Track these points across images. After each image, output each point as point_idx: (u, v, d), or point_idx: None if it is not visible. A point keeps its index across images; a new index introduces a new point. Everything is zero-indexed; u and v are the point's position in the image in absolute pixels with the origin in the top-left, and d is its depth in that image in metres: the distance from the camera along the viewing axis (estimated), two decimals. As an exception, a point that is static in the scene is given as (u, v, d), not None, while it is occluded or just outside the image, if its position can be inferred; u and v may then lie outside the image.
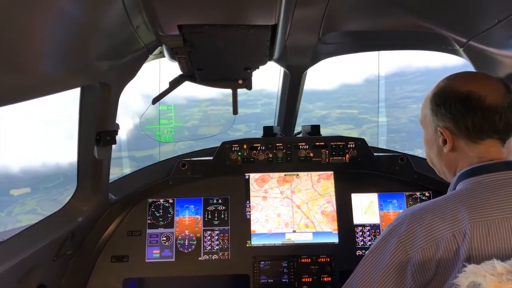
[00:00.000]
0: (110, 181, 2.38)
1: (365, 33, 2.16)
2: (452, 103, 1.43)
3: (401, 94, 10.03)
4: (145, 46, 1.73)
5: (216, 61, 1.85)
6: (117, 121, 2.10)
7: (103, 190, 2.28)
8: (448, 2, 1.80)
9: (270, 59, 1.86)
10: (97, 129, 1.97)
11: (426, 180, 2.71)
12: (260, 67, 1.99)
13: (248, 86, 2.10)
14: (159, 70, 2.56)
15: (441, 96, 1.47)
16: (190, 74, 2.08)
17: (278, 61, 2.51)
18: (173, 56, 1.73)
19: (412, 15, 1.96)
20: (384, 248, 1.39)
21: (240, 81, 2.07)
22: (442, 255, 1.28)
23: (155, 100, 2.16)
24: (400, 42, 2.35)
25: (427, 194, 2.75)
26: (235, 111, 2.20)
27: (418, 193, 2.75)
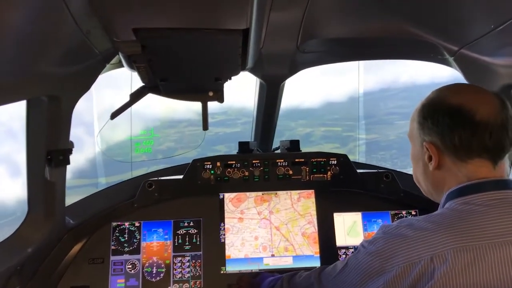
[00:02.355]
0: (67, 204, 2.28)
1: (348, 41, 2.12)
2: (440, 116, 1.39)
3: (386, 110, 10.16)
4: (100, 53, 1.65)
5: (181, 70, 1.78)
6: (71, 139, 2.02)
7: (59, 215, 2.16)
8: (439, 7, 1.76)
9: (244, 68, 1.80)
10: (47, 148, 1.87)
11: (413, 198, 2.68)
12: (234, 77, 1.93)
13: (220, 98, 2.02)
14: (131, 80, 2.48)
15: (429, 108, 1.44)
16: (153, 85, 2.01)
17: (253, 71, 2.47)
18: (131, 65, 1.64)
19: (400, 21, 1.91)
20: (360, 260, 1.43)
21: (211, 93, 1.99)
22: (415, 276, 1.28)
23: (114, 114, 2.06)
24: (385, 51, 2.32)
25: (413, 213, 2.72)
26: (205, 127, 2.12)
27: (404, 212, 2.72)
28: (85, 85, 1.84)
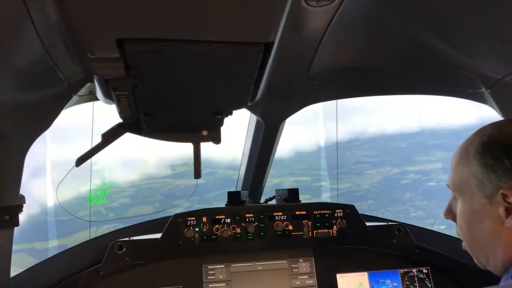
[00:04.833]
0: (13, 275, 1.92)
1: (366, 72, 1.88)
2: None
3: (354, 159, 10.25)
4: (66, 80, 1.35)
5: (174, 101, 1.48)
6: (22, 192, 1.67)
7: None
8: (480, 29, 1.53)
9: (253, 99, 1.50)
10: None
11: (426, 254, 2.47)
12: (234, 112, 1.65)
13: (216, 139, 1.75)
14: (92, 111, 2.11)
15: (500, 145, 1.17)
16: (133, 122, 1.68)
17: (250, 106, 2.17)
18: (108, 95, 1.34)
19: (431, 47, 1.67)
20: None
21: (205, 132, 1.72)
22: None
23: (81, 160, 1.75)
24: (408, 84, 2.10)
25: (424, 271, 2.49)
26: (197, 174, 1.83)
27: (414, 270, 2.48)
28: (44, 122, 1.50)
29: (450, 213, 1.35)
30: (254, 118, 2.39)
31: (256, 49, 1.11)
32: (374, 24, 1.54)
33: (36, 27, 0.99)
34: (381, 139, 9.72)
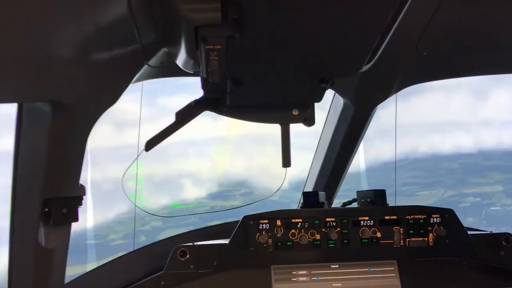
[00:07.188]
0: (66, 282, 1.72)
1: (485, 45, 1.62)
2: None
3: (401, 181, 9.77)
4: (140, 40, 1.15)
5: (274, 62, 1.24)
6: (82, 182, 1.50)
7: None
8: None
9: (368, 62, 1.27)
10: (44, 195, 1.33)
11: None
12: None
13: (309, 119, 1.51)
14: (141, 90, 1.94)
15: None
16: (216, 96, 1.49)
17: (339, 87, 1.94)
18: (193, 54, 1.13)
19: None
20: None
21: (295, 111, 1.48)
22: None
23: (150, 144, 1.57)
24: None
25: None
26: (286, 162, 1.59)
27: None
28: (112, 93, 1.30)
29: None
30: (339, 102, 2.15)
31: None
32: None
33: None
34: (429, 160, 9.29)
